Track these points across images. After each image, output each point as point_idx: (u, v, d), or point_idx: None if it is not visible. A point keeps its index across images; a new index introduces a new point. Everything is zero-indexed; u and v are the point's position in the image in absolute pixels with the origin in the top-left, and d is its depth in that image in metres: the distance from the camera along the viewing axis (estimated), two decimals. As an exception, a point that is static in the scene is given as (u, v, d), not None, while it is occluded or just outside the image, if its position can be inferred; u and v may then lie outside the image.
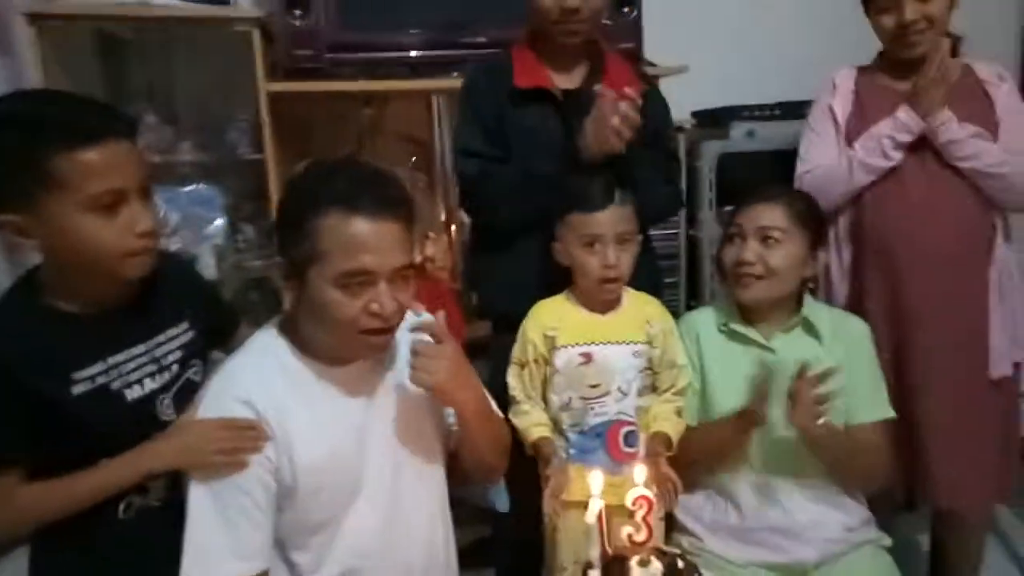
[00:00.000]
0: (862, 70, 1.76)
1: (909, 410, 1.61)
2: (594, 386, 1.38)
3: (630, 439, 1.39)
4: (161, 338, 1.12)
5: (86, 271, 1.01)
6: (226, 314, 1.32)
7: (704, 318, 1.56)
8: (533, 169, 1.47)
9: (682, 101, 2.22)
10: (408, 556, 1.18)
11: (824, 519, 1.43)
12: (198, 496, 1.04)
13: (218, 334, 1.25)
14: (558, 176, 1.42)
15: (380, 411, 1.17)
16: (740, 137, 2.22)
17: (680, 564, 0.88)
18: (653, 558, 0.87)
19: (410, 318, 1.27)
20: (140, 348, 1.08)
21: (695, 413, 1.50)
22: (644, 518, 0.89)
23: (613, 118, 1.35)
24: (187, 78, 2.14)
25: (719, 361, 1.50)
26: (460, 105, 1.57)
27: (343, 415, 1.13)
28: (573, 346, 1.39)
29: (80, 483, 1.02)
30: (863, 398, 1.46)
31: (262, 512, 1.06)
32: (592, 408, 1.38)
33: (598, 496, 0.90)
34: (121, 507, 1.08)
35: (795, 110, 2.16)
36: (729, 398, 1.43)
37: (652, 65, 2.19)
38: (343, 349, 1.11)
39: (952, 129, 1.58)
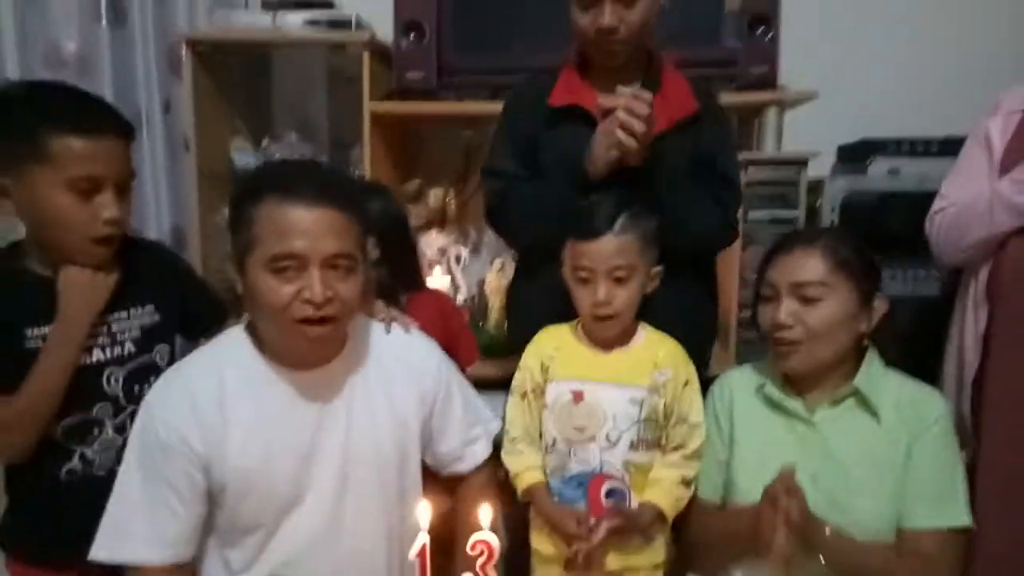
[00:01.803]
0: None
1: None
2: (579, 428, 1.25)
3: (614, 496, 1.24)
4: (122, 315, 1.23)
5: (55, 243, 1.16)
6: (210, 306, 1.41)
7: (742, 379, 1.35)
8: (549, 190, 1.40)
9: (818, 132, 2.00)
10: (339, 571, 1.14)
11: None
12: (127, 474, 1.10)
13: (197, 323, 1.34)
14: (572, 197, 1.33)
15: (335, 424, 1.14)
16: (880, 175, 1.90)
17: None
18: None
19: (397, 331, 1.27)
20: (98, 319, 1.19)
21: (718, 488, 1.31)
22: (482, 567, 0.79)
23: (619, 112, 1.25)
24: (320, 97, 2.35)
25: (751, 431, 1.29)
26: (497, 123, 1.54)
27: (292, 421, 1.11)
28: (566, 380, 1.28)
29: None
30: (926, 497, 1.17)
31: (184, 505, 1.08)
32: (575, 453, 1.26)
33: (425, 530, 0.82)
34: (63, 472, 1.21)
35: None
36: (757, 477, 1.19)
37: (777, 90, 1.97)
38: (286, 342, 1.10)
39: None
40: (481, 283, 2.23)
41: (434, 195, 2.24)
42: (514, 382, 1.36)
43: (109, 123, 1.14)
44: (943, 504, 1.17)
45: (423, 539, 0.81)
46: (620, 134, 1.26)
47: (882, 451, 1.19)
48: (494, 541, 0.81)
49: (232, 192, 1.14)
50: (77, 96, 1.18)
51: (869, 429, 1.21)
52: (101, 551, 1.08)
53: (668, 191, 1.35)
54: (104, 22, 2.28)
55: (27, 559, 1.25)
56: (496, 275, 2.14)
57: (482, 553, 0.81)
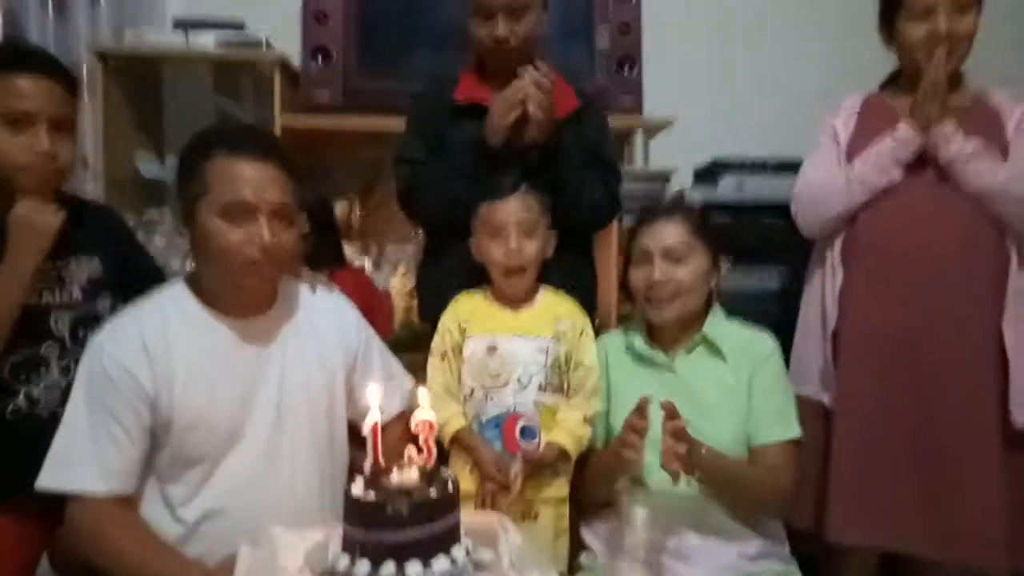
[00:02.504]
0: (869, 95, 1.75)
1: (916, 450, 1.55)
2: (494, 376, 1.43)
3: (527, 433, 1.42)
4: (70, 263, 1.33)
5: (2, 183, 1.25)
6: (149, 267, 1.52)
7: (613, 341, 1.57)
8: (455, 169, 1.57)
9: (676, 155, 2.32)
10: (278, 508, 1.20)
11: (716, 547, 1.38)
12: (74, 408, 1.17)
13: (136, 282, 1.40)
14: (476, 175, 1.52)
15: (271, 365, 1.26)
16: (729, 189, 2.24)
17: (445, 476, 0.92)
18: (413, 466, 0.92)
19: (322, 292, 1.41)
20: (46, 264, 1.29)
21: (600, 436, 1.50)
22: (424, 441, 0.95)
23: (528, 87, 1.47)
24: (217, 112, 2.45)
25: (624, 384, 1.50)
26: (407, 117, 1.71)
27: (232, 363, 1.23)
28: (481, 336, 1.45)
29: None
30: (767, 419, 1.42)
31: (129, 439, 1.16)
32: (491, 398, 1.43)
33: (377, 411, 0.96)
34: (8, 410, 1.27)
35: (791, 167, 2.21)
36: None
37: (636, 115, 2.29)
38: (232, 286, 1.22)
39: (954, 143, 1.54)
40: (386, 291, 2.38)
41: (339, 207, 2.38)
42: (433, 345, 1.51)
43: (44, 66, 1.28)
44: (781, 422, 1.42)
45: (375, 417, 0.95)
46: (531, 107, 1.48)
47: (730, 384, 1.43)
48: (433, 418, 0.96)
49: (182, 152, 1.25)
50: (26, 46, 1.39)
51: (719, 368, 1.45)
52: (47, 480, 1.14)
53: (565, 171, 1.57)
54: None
55: None
56: (400, 279, 2.29)
57: (424, 429, 0.95)
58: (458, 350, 1.48)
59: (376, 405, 0.96)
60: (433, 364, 1.50)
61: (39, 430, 1.20)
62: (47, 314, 1.30)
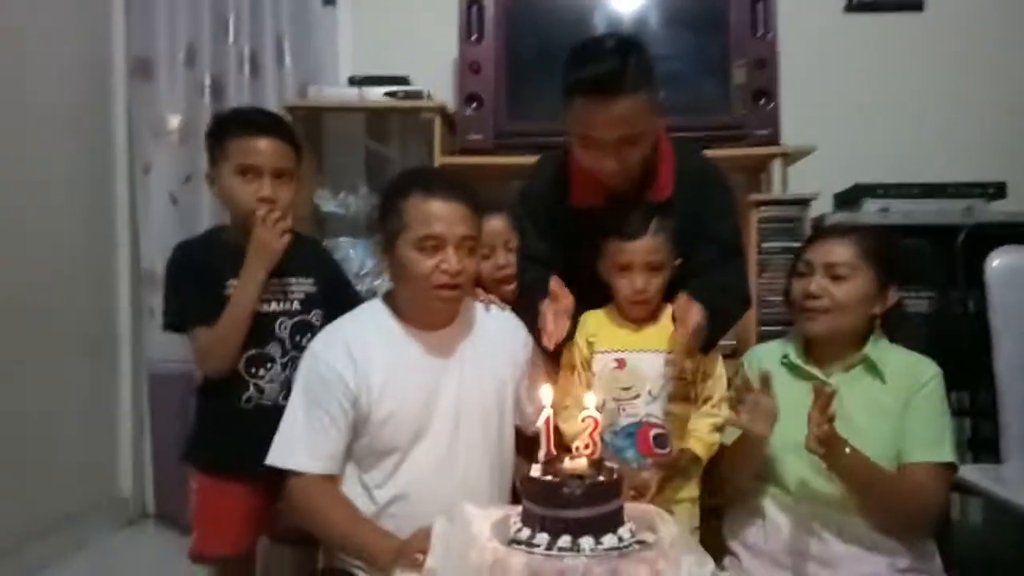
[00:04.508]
0: None
1: None
2: (626, 388, 1.54)
3: (659, 441, 1.52)
4: (291, 280, 1.63)
5: (240, 220, 1.59)
6: (345, 286, 1.80)
7: (768, 351, 1.63)
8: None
9: (815, 182, 2.36)
10: (453, 494, 1.33)
11: (862, 555, 1.40)
12: (294, 404, 1.41)
13: (338, 297, 1.69)
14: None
15: (451, 374, 1.44)
16: (872, 212, 2.25)
17: (612, 467, 1.03)
18: (583, 456, 1.04)
19: (495, 310, 1.60)
20: (274, 280, 1.59)
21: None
22: (591, 434, 1.07)
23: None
24: (396, 157, 2.76)
25: (777, 395, 1.53)
26: (524, 210, 1.70)
27: (420, 369, 1.42)
28: (609, 352, 1.56)
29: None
30: (920, 440, 1.43)
31: (337, 428, 1.38)
32: (624, 409, 1.53)
33: (548, 406, 1.10)
34: (243, 399, 1.58)
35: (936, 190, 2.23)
36: (783, 433, 1.41)
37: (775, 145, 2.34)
38: (423, 305, 1.42)
39: None
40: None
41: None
42: (564, 359, 1.61)
43: (271, 127, 1.61)
44: (934, 444, 1.42)
45: (547, 413, 1.09)
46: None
47: (886, 404, 1.45)
48: (598, 416, 1.09)
49: (382, 192, 1.49)
50: (247, 111, 1.71)
51: (876, 390, 1.47)
52: (274, 458, 1.39)
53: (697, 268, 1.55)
54: (207, 98, 2.74)
55: (207, 470, 1.62)
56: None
57: (590, 424, 1.08)
58: (586, 364, 1.58)
59: (549, 402, 1.10)
60: (564, 376, 1.59)
61: (265, 418, 1.46)
62: (274, 320, 1.61)
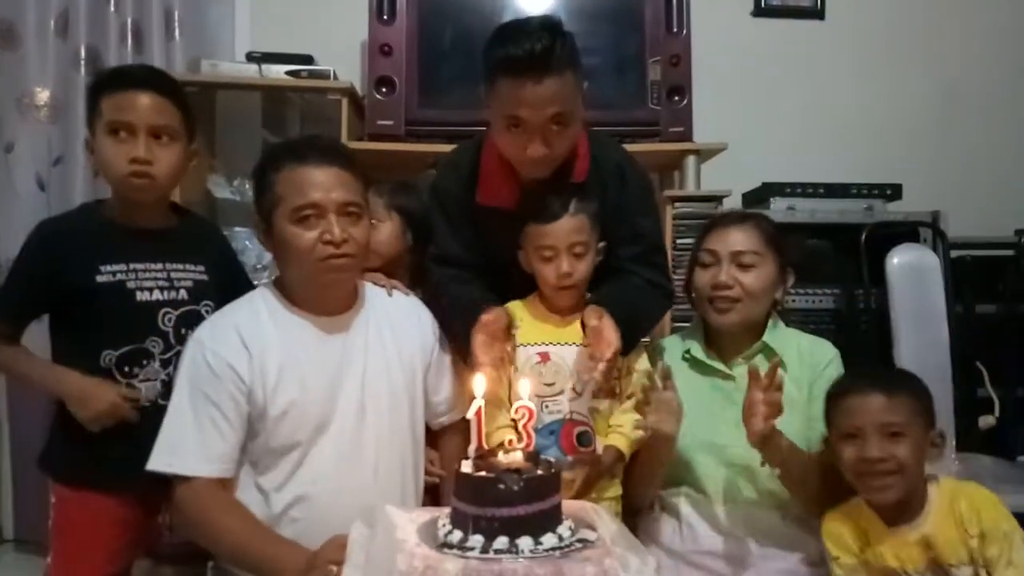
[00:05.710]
0: None
1: None
2: (549, 384, 1.45)
3: (583, 439, 1.45)
4: (178, 266, 1.42)
5: (114, 189, 1.39)
6: (239, 274, 1.61)
7: (670, 345, 1.61)
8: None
9: (726, 180, 2.39)
10: (362, 494, 1.25)
11: (777, 554, 1.40)
12: (179, 400, 1.26)
13: (231, 285, 1.49)
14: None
15: (354, 359, 1.34)
16: (780, 210, 2.30)
17: (549, 461, 0.96)
18: (518, 449, 0.96)
19: (398, 295, 1.48)
20: (158, 265, 1.39)
21: None
22: (524, 426, 0.99)
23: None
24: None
25: (680, 390, 1.46)
26: (435, 209, 1.58)
27: (319, 357, 1.31)
28: (531, 345, 1.48)
29: (33, 366, 1.37)
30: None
31: (229, 425, 1.24)
32: (546, 406, 1.44)
33: (480, 397, 1.01)
34: None
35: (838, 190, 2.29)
36: (691, 432, 1.40)
37: (688, 142, 2.35)
38: (314, 284, 1.30)
39: None
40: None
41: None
42: None
43: (152, 82, 1.39)
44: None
45: (479, 403, 1.00)
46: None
47: (790, 393, 1.42)
48: (533, 406, 1.01)
49: (254, 169, 1.34)
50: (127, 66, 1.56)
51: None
52: (158, 463, 1.22)
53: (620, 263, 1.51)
54: (82, 71, 2.47)
55: (67, 480, 1.37)
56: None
57: (524, 416, 1.00)
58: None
59: (480, 393, 1.01)
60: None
61: (149, 417, 1.28)
62: (156, 310, 1.39)
